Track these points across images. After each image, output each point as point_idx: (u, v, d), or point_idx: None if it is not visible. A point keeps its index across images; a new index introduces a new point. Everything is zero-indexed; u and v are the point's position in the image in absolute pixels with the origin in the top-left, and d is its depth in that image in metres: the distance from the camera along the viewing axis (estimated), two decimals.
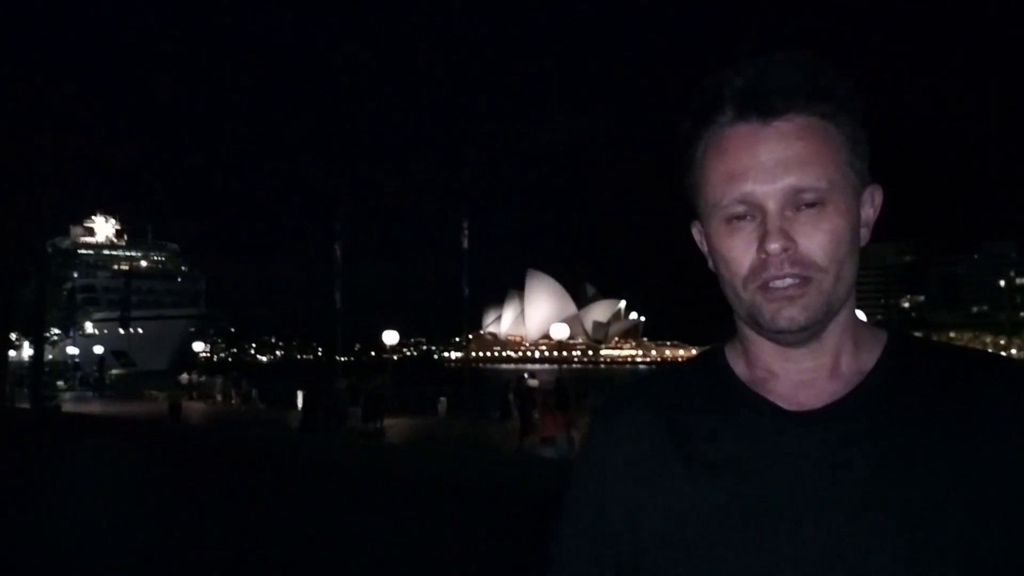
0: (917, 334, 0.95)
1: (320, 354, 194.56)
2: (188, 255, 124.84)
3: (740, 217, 0.81)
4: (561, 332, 31.60)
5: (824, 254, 0.78)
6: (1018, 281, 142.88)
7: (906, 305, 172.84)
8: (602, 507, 0.91)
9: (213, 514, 12.44)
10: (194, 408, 28.84)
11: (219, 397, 32.74)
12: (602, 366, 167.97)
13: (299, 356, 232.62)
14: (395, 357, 59.59)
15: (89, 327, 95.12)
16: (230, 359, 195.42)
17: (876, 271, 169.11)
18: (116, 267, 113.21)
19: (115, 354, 78.50)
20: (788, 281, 0.79)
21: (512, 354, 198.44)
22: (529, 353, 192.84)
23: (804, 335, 0.82)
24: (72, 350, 61.24)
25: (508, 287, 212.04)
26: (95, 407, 32.17)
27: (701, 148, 0.85)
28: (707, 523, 0.82)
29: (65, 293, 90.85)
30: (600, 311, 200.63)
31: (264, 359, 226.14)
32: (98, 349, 54.82)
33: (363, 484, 15.08)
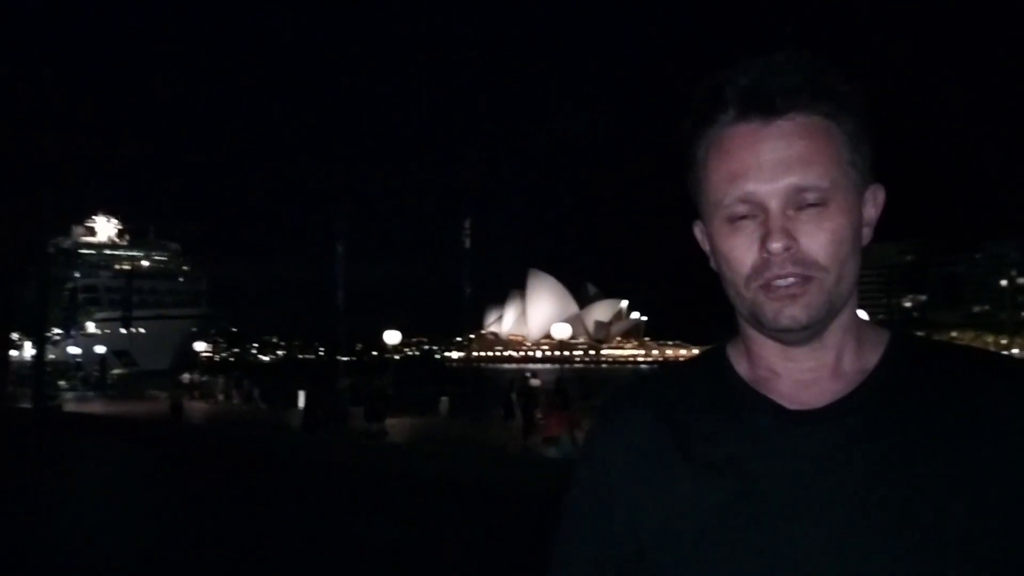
0: (919, 334, 0.95)
1: (322, 354, 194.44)
2: (190, 255, 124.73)
3: (742, 216, 0.81)
4: (563, 332, 31.62)
5: (826, 253, 0.78)
6: (1020, 281, 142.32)
7: (908, 305, 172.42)
8: (603, 507, 0.91)
9: (214, 514, 12.45)
10: (196, 408, 28.85)
11: (221, 397, 32.78)
12: (604, 366, 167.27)
13: (301, 356, 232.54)
14: (397, 357, 59.63)
15: (91, 327, 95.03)
16: (232, 359, 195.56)
17: (878, 270, 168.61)
18: (118, 267, 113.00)
19: (117, 354, 78.53)
20: (790, 280, 0.78)
21: (514, 354, 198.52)
22: (531, 353, 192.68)
23: (806, 334, 0.82)
24: (74, 350, 61.19)
25: (510, 287, 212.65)
26: (97, 407, 32.17)
27: (703, 148, 0.84)
28: (708, 522, 0.82)
29: (67, 293, 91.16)
30: (602, 311, 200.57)
31: (266, 359, 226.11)
32: (100, 349, 54.95)
33: (365, 484, 15.08)
